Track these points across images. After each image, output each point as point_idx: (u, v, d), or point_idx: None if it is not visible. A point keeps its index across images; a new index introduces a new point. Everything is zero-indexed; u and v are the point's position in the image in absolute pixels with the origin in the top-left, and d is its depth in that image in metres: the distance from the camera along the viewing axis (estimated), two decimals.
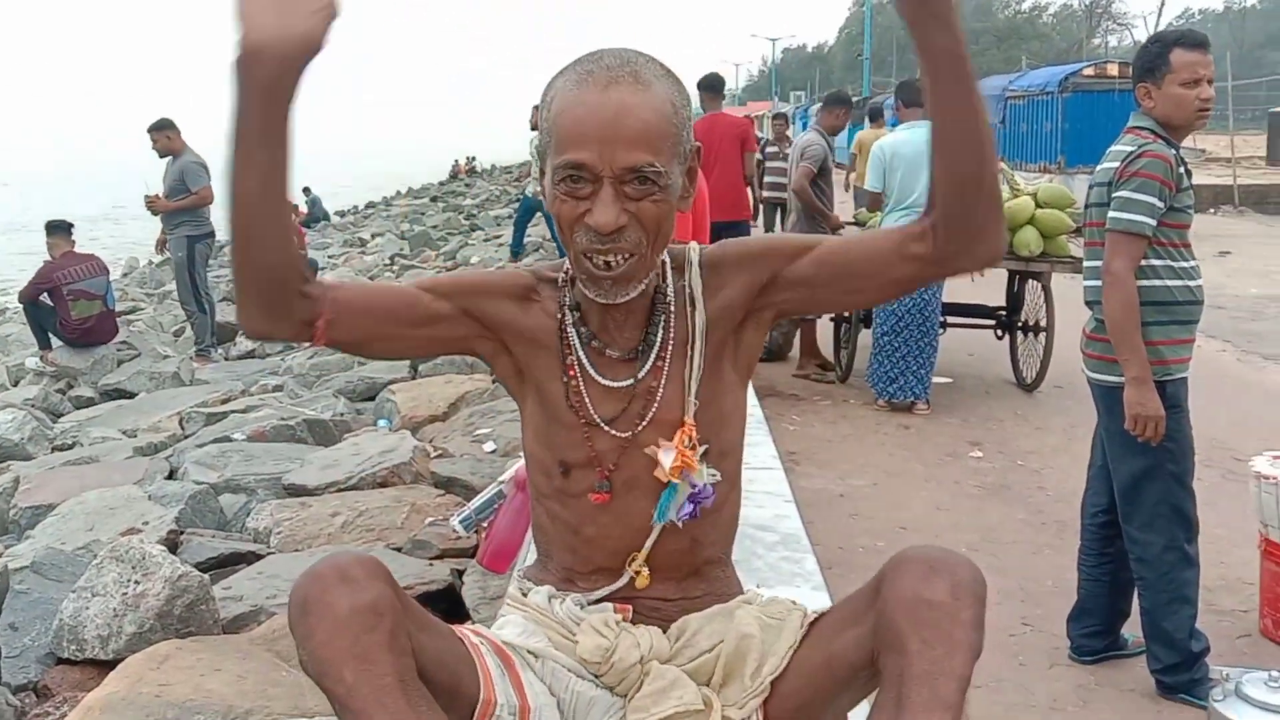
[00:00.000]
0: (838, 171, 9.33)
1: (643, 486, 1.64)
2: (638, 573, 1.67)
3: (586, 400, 1.65)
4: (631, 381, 1.65)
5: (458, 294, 1.67)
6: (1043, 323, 7.06)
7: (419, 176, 43.54)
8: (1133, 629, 3.39)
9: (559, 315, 1.68)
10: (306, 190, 25.64)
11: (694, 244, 1.71)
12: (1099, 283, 3.12)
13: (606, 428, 1.64)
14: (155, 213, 9.14)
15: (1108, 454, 3.26)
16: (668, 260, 1.68)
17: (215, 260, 10.37)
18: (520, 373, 1.70)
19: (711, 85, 8.29)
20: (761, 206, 10.90)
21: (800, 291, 1.65)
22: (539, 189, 11.08)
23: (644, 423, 1.64)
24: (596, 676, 1.64)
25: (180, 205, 8.93)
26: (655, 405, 1.64)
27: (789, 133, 12.39)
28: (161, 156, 9.06)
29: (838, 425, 6.36)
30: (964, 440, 6.01)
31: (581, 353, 1.66)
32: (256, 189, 1.42)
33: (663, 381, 1.64)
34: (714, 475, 1.65)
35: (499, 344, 1.69)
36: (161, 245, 9.72)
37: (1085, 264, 3.29)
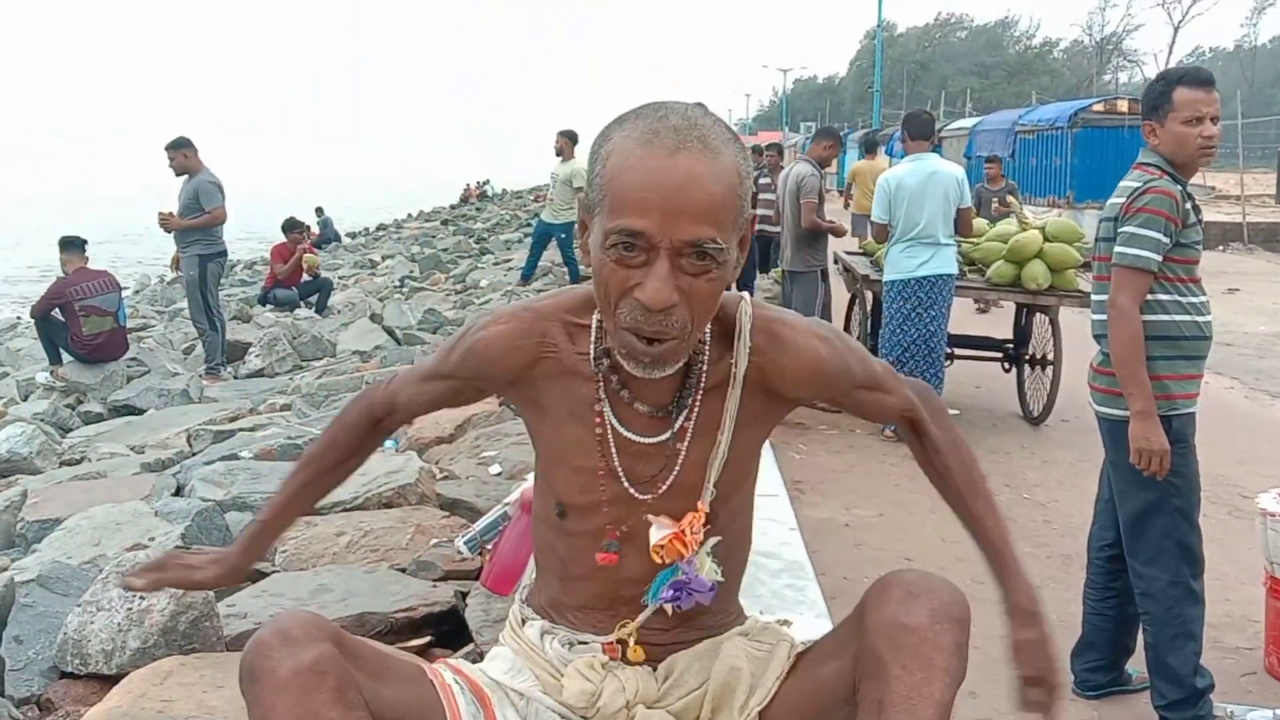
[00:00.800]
0: (833, 198, 9.61)
1: (641, 541, 1.58)
2: (626, 643, 1.63)
3: (613, 453, 1.58)
4: (664, 438, 1.58)
5: (463, 374, 1.69)
6: (1050, 356, 7.07)
7: (429, 197, 43.75)
8: (1137, 665, 3.38)
9: (587, 357, 1.59)
10: (319, 211, 25.77)
11: (745, 302, 1.61)
12: (1106, 317, 3.13)
13: (629, 486, 1.58)
14: (168, 230, 9.21)
15: (1114, 488, 3.26)
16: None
17: (226, 279, 10.41)
18: (537, 404, 1.65)
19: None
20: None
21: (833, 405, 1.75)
22: (554, 216, 11.12)
23: (665, 485, 1.59)
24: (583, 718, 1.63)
25: (193, 224, 8.99)
26: (677, 469, 1.58)
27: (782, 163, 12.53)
28: (178, 175, 9.14)
29: (844, 455, 6.35)
30: None
31: (609, 406, 1.59)
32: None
33: (686, 444, 1.58)
34: (715, 570, 1.60)
35: (521, 394, 1.67)
36: (177, 263, 9.78)
37: (1093, 298, 3.30)
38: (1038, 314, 7.28)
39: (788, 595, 2.72)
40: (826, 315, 7.49)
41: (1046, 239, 6.80)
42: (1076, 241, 6.85)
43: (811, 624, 2.60)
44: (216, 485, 4.55)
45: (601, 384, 1.58)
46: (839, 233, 8.06)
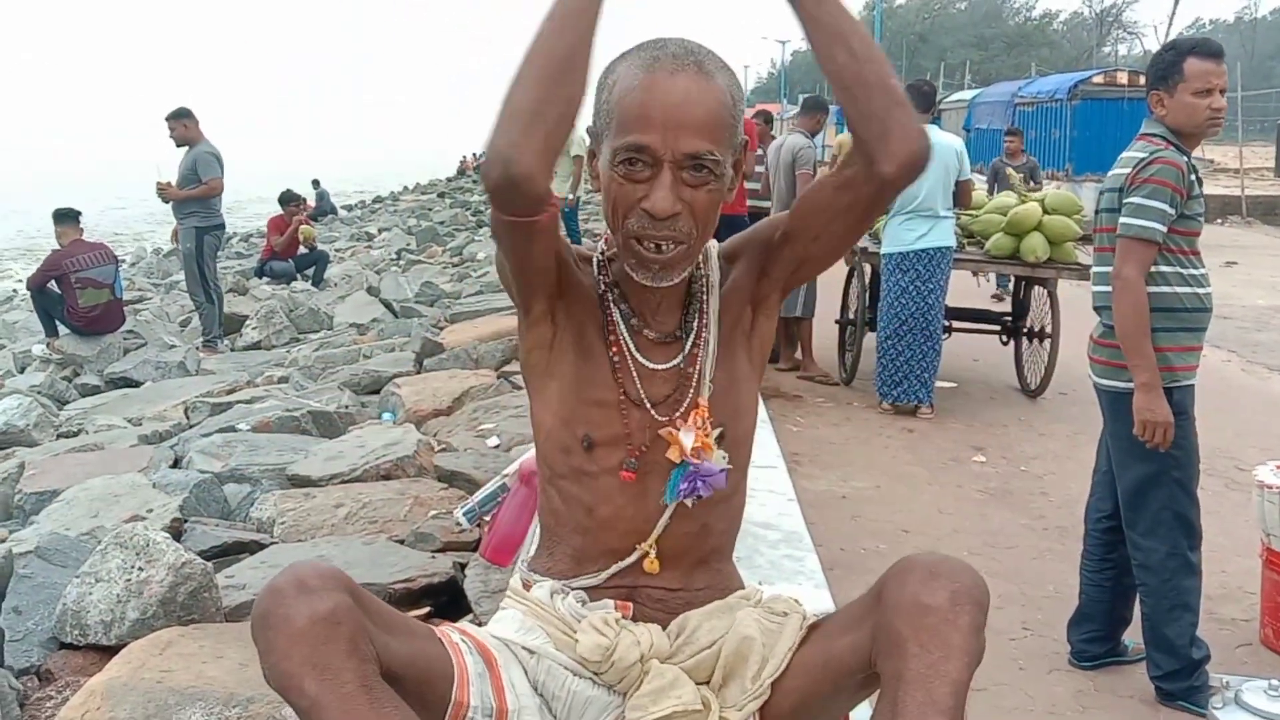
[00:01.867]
0: (823, 170, 9.49)
1: (663, 470, 1.65)
2: (646, 555, 1.67)
3: (634, 377, 1.67)
4: (678, 362, 1.68)
5: (560, 242, 1.69)
6: (1048, 329, 7.06)
7: (424, 174, 43.63)
8: (1133, 636, 3.40)
9: (599, 291, 1.70)
10: (315, 183, 25.69)
11: (711, 243, 1.74)
12: (1108, 288, 3.12)
13: (650, 409, 1.66)
14: (166, 200, 9.20)
15: (1113, 459, 3.26)
16: (710, 250, 1.73)
17: (223, 252, 10.40)
18: (551, 346, 1.69)
19: None
20: None
21: (792, 254, 1.68)
22: (570, 197, 11.01)
23: (683, 407, 1.66)
24: (596, 675, 1.64)
25: (190, 194, 8.97)
26: (691, 390, 1.67)
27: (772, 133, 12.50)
28: (178, 146, 9.12)
29: (841, 428, 6.36)
30: (967, 445, 6.01)
31: (624, 330, 1.68)
32: (588, 26, 1.46)
33: (699, 367, 1.68)
34: (724, 457, 1.66)
35: (550, 307, 1.68)
36: (176, 236, 9.76)
37: (1094, 269, 3.29)
38: (1036, 286, 7.27)
39: (786, 565, 2.73)
40: (813, 289, 7.43)
41: (1045, 211, 6.78)
42: (1076, 214, 6.83)
43: (811, 594, 2.61)
44: (214, 457, 4.55)
45: (614, 312, 1.69)
46: None
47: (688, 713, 1.58)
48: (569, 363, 1.68)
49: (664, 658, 1.64)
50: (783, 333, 7.64)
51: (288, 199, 13.96)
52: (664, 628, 1.67)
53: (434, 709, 1.53)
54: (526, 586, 1.75)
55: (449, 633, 1.64)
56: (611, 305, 1.69)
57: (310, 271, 13.70)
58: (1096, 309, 3.25)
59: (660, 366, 1.68)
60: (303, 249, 13.79)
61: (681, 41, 1.56)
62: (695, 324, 1.69)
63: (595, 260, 1.72)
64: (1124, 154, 3.16)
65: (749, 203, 10.74)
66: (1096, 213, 3.26)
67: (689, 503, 1.65)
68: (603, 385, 1.66)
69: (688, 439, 1.62)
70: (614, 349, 1.67)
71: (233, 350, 9.41)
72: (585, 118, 1.57)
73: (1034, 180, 10.12)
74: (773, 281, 1.72)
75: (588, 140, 1.64)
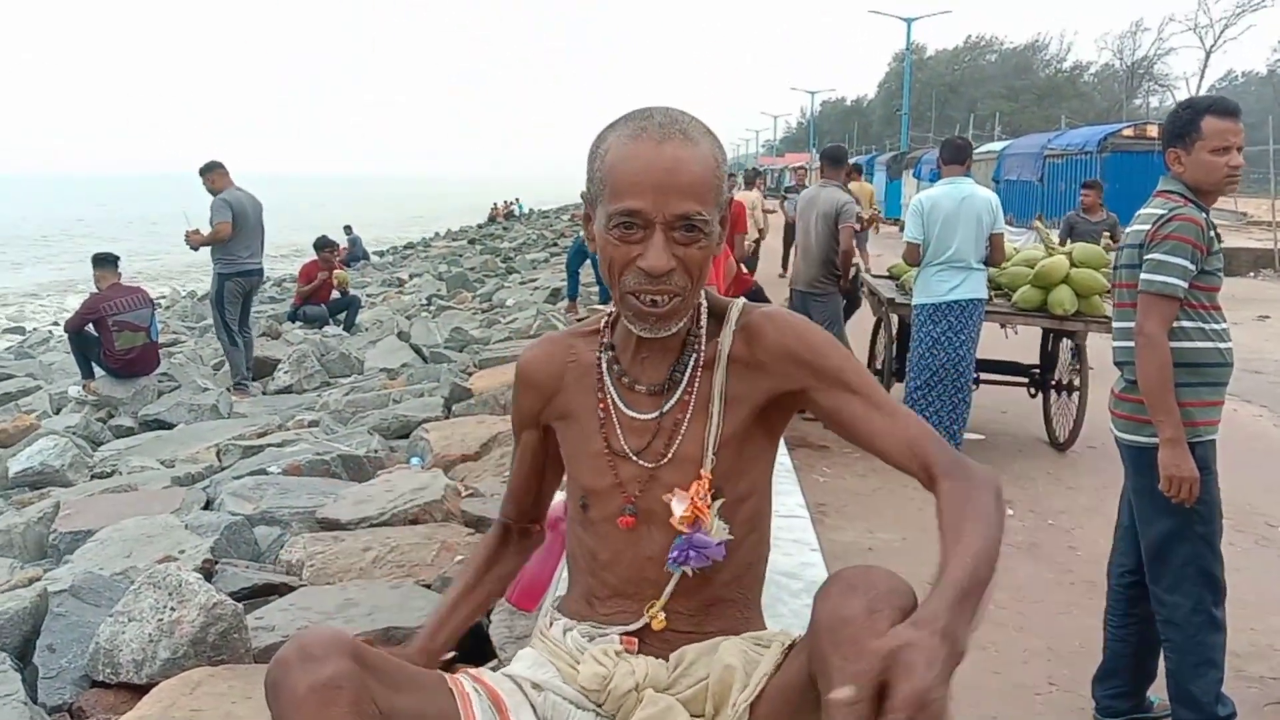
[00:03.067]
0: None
1: (656, 519, 1.73)
2: (654, 617, 1.74)
3: (617, 431, 1.77)
4: (656, 415, 1.76)
5: (524, 410, 1.93)
6: (1076, 382, 7.05)
7: (455, 215, 44.09)
8: (1158, 692, 3.37)
9: (597, 357, 1.83)
10: (348, 229, 25.98)
11: (738, 302, 1.82)
12: (1129, 343, 3.14)
13: (634, 458, 1.76)
14: (192, 247, 9.46)
15: (1135, 514, 3.26)
16: (704, 304, 1.79)
17: (256, 295, 10.55)
18: (567, 417, 1.85)
19: None
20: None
21: (820, 413, 1.74)
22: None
23: (668, 456, 1.74)
24: (598, 706, 1.71)
25: (203, 241, 9.26)
26: (679, 440, 1.74)
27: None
28: (213, 195, 9.38)
29: (868, 479, 6.35)
30: None
31: (613, 388, 1.80)
32: None
33: (687, 417, 1.75)
34: (724, 529, 1.72)
35: (554, 412, 1.88)
36: None
37: (1115, 325, 3.31)
38: (1064, 339, 7.26)
39: (808, 615, 2.72)
40: (843, 339, 7.44)
41: (1073, 264, 6.79)
42: (1104, 267, 6.82)
43: None
44: (245, 500, 4.61)
45: (605, 370, 1.81)
46: (850, 274, 7.93)
47: None
48: (576, 425, 1.84)
49: (661, 688, 1.69)
50: None
51: (322, 244, 14.16)
52: (666, 659, 1.73)
53: None
54: (550, 624, 1.84)
55: (461, 680, 1.70)
56: (604, 366, 1.81)
57: (342, 316, 13.85)
58: (1118, 364, 3.27)
59: (645, 417, 1.77)
60: (335, 293, 13.96)
61: (666, 110, 1.66)
62: (685, 376, 1.76)
63: (599, 328, 1.86)
64: (1142, 210, 3.19)
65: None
66: (1115, 268, 3.29)
67: (689, 571, 1.72)
68: (592, 438, 1.80)
69: (678, 508, 1.70)
70: (601, 405, 1.79)
71: (264, 394, 9.51)
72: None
73: (1114, 238, 9.63)
74: (799, 404, 1.76)
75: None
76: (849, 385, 1.70)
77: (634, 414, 1.77)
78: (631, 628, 1.75)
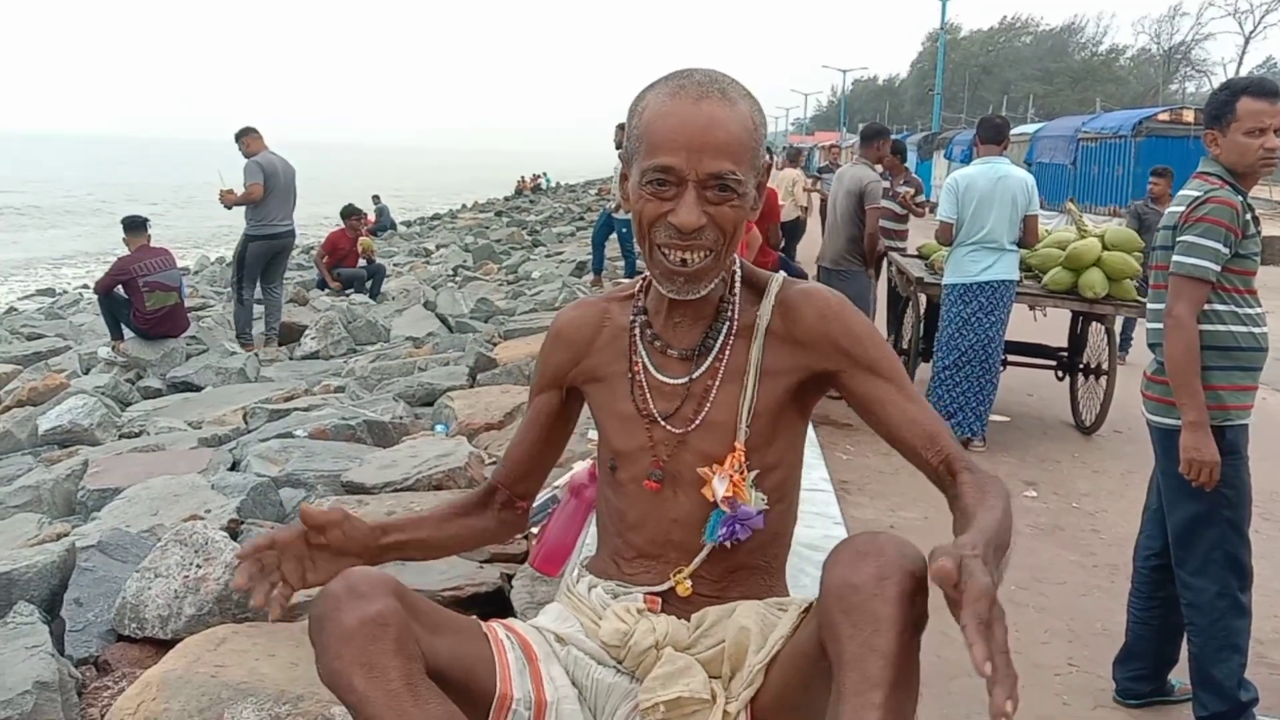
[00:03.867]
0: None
1: (683, 482, 1.74)
2: (679, 583, 1.75)
3: (647, 394, 1.77)
4: (686, 380, 1.76)
5: (548, 370, 1.91)
6: (1104, 366, 6.99)
7: (480, 187, 44.17)
8: (1179, 675, 3.36)
9: (630, 320, 1.83)
10: (376, 199, 26.04)
11: (778, 276, 1.81)
12: (1161, 325, 3.12)
13: (663, 422, 1.75)
14: (226, 206, 9.83)
15: (1163, 497, 3.24)
16: (739, 273, 1.79)
17: (286, 258, 10.82)
18: (598, 379, 1.85)
19: None
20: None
21: (848, 396, 1.75)
22: (619, 203, 11.36)
23: (697, 421, 1.74)
24: (618, 662, 1.73)
25: (236, 200, 9.63)
26: (708, 405, 1.74)
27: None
28: (247, 159, 9.73)
29: (890, 457, 6.28)
30: (1019, 479, 5.96)
31: (644, 352, 1.80)
32: None
33: (717, 383, 1.75)
34: (763, 500, 1.72)
35: (584, 375, 1.87)
36: None
37: (1149, 306, 3.28)
38: (1094, 323, 7.20)
39: None
40: (870, 315, 7.40)
41: (1105, 247, 6.72)
42: (1136, 251, 6.76)
43: None
44: (271, 462, 4.65)
45: (637, 333, 1.81)
46: (880, 253, 7.89)
47: (695, 700, 1.63)
48: (607, 388, 1.84)
49: (681, 647, 1.70)
50: None
51: (349, 213, 14.18)
52: (688, 619, 1.74)
53: (479, 703, 1.61)
54: (576, 581, 1.86)
55: (495, 628, 1.73)
56: (637, 329, 1.81)
57: (368, 284, 13.89)
58: (1151, 345, 3.24)
59: (674, 381, 1.76)
60: (361, 261, 13.99)
61: (707, 71, 1.66)
62: (718, 342, 1.75)
63: (634, 292, 1.86)
64: (1180, 192, 3.16)
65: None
66: (1152, 249, 3.26)
67: (727, 544, 1.73)
68: (623, 401, 1.80)
69: (720, 486, 1.69)
70: (634, 367, 1.80)
71: (290, 359, 9.59)
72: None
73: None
74: (830, 384, 1.76)
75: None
76: (882, 373, 1.72)
77: (663, 378, 1.77)
78: (657, 588, 1.76)
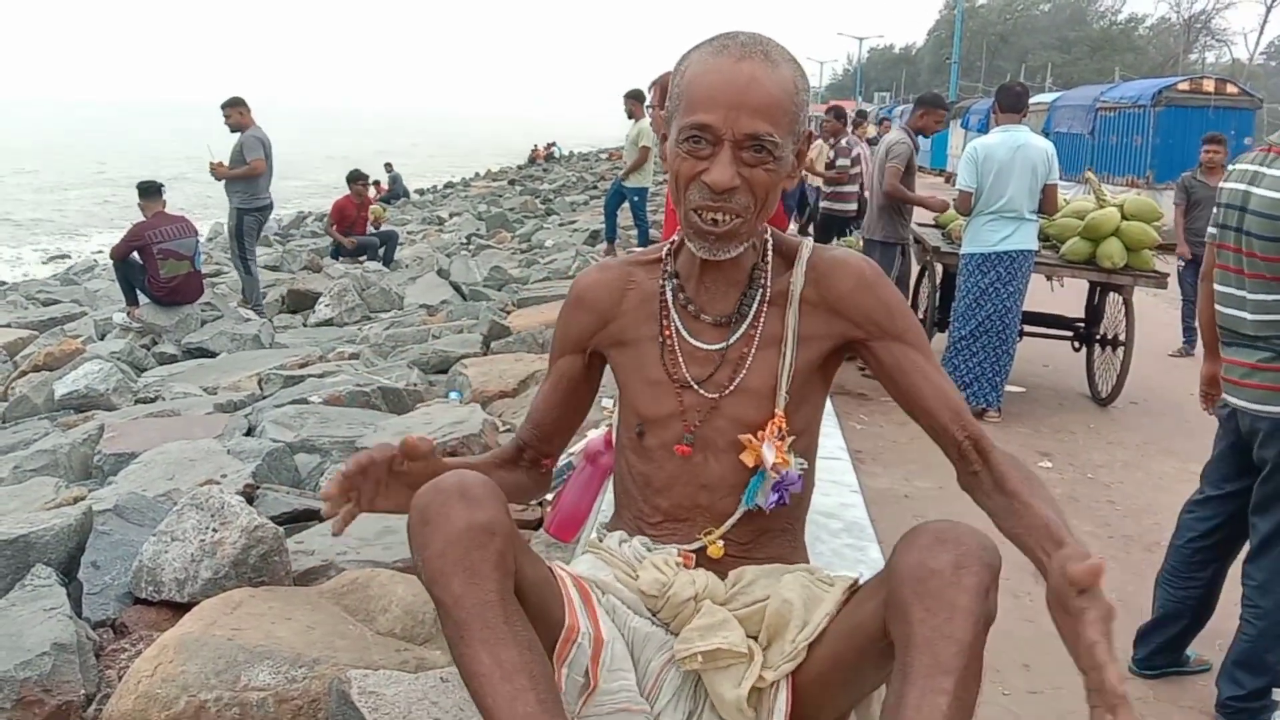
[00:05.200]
0: (921, 174, 9.00)
1: (715, 448, 1.74)
2: (711, 543, 1.75)
3: (680, 359, 1.76)
4: (722, 346, 1.75)
5: (571, 333, 1.88)
6: (1122, 337, 6.95)
7: (491, 156, 44.09)
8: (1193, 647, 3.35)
9: (660, 284, 1.81)
10: (388, 166, 25.99)
11: (807, 241, 1.80)
12: (1274, 317, 2.92)
13: (696, 388, 1.74)
14: (218, 178, 9.92)
15: (1263, 488, 3.04)
16: (770, 240, 1.78)
17: (297, 230, 10.93)
18: (623, 343, 1.82)
19: None
20: (813, 225, 10.82)
21: (874, 365, 1.76)
22: (626, 179, 11.35)
23: (731, 387, 1.74)
24: (654, 613, 1.72)
25: (236, 174, 9.70)
26: (744, 372, 1.74)
27: (859, 133, 12.00)
28: (232, 131, 9.87)
29: (905, 427, 6.29)
30: (1033, 450, 5.94)
31: (677, 316, 1.78)
32: None
33: (753, 350, 1.74)
34: (802, 464, 1.74)
35: (607, 339, 1.85)
36: None
37: (1250, 296, 2.99)
38: (1111, 293, 7.15)
39: (848, 554, 2.72)
40: (903, 289, 7.30)
41: (1124, 217, 6.66)
42: (1155, 221, 6.70)
43: None
44: (286, 427, 4.66)
45: (670, 297, 1.79)
46: (935, 206, 7.44)
47: (732, 653, 1.63)
48: (633, 351, 1.82)
49: (718, 601, 1.71)
50: None
51: (355, 178, 14.08)
52: (724, 577, 1.75)
53: (547, 631, 1.59)
54: (600, 540, 1.85)
55: (555, 566, 1.73)
56: (669, 293, 1.79)
57: (381, 251, 13.87)
58: (1265, 338, 2.98)
59: (709, 347, 1.75)
60: (371, 228, 13.95)
61: (752, 33, 1.64)
62: (752, 308, 1.75)
63: (661, 256, 1.83)
64: (1268, 171, 2.90)
65: (824, 205, 10.60)
66: (1246, 235, 2.97)
67: (766, 509, 1.73)
68: (653, 366, 1.78)
69: (769, 455, 1.69)
70: (665, 332, 1.78)
71: (305, 325, 9.61)
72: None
73: None
74: (858, 353, 1.78)
75: (653, 134, 1.73)
76: (911, 344, 1.73)
77: (698, 343, 1.76)
78: (689, 547, 1.76)
